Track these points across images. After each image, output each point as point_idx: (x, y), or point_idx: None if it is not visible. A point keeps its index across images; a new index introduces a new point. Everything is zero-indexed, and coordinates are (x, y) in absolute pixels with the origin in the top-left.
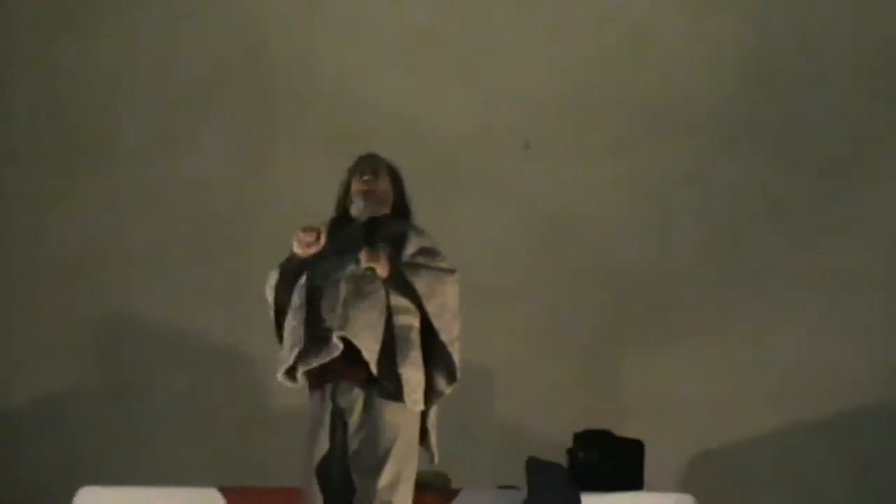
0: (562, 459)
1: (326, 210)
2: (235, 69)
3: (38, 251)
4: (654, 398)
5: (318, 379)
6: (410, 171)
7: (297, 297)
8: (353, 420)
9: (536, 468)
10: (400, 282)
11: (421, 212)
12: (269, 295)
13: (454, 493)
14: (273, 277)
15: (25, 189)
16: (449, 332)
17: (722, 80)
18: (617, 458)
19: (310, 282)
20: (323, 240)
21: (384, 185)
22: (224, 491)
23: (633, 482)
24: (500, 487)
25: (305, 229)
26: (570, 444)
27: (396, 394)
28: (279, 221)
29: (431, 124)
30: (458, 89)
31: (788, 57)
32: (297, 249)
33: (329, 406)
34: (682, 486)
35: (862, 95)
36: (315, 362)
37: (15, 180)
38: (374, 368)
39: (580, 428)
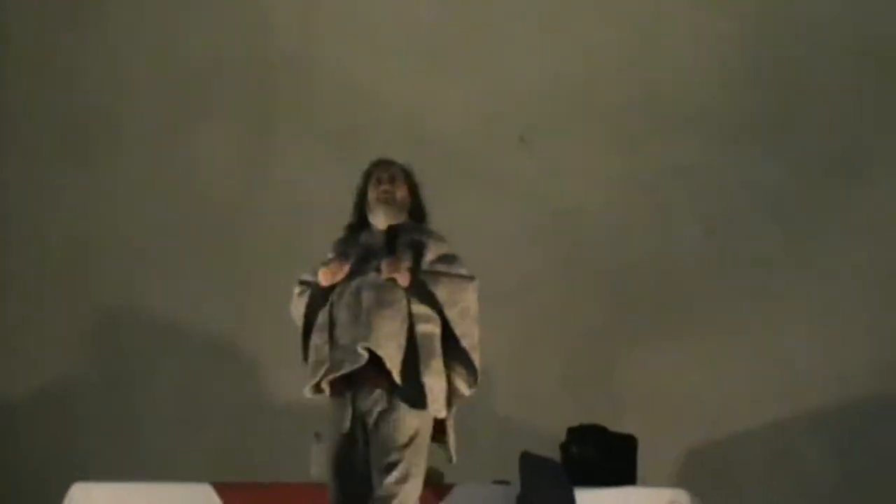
0: (555, 454)
1: (327, 204)
2: (237, 63)
3: (36, 243)
4: (648, 393)
5: (340, 385)
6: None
7: (322, 316)
8: (374, 426)
9: (530, 463)
10: (421, 290)
11: None
12: (299, 320)
13: (448, 489)
14: (302, 303)
15: (24, 181)
16: (471, 338)
17: (722, 75)
18: (610, 454)
19: (335, 298)
20: (347, 268)
21: (402, 192)
22: (218, 487)
23: (627, 477)
24: (494, 482)
25: (328, 263)
26: (563, 439)
27: (419, 401)
28: (279, 215)
29: (432, 119)
30: (458, 84)
31: (789, 53)
32: (325, 282)
33: (350, 411)
34: (676, 481)
35: (862, 93)
36: (341, 371)
37: (14, 172)
38: (396, 377)
39: (574, 423)
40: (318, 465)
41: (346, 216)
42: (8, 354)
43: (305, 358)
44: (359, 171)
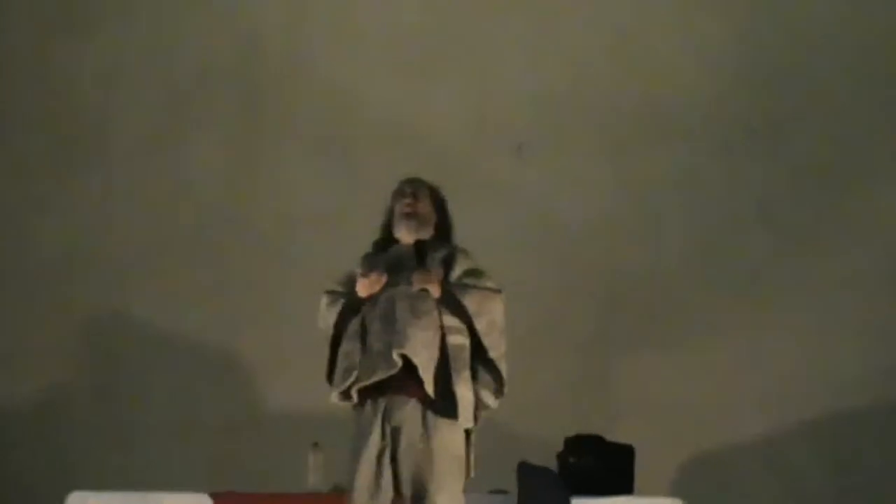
0: (552, 464)
1: (316, 212)
2: (226, 70)
3: (28, 252)
4: (644, 403)
5: (370, 395)
6: (401, 173)
7: (354, 324)
8: (406, 437)
9: (527, 473)
10: (451, 301)
11: None
12: (329, 329)
13: None
14: (333, 313)
15: (14, 190)
16: (498, 349)
17: (715, 83)
18: (608, 463)
19: (366, 309)
20: (385, 279)
21: (425, 207)
22: (216, 497)
23: (624, 487)
24: (491, 492)
25: (365, 274)
26: (560, 448)
27: (451, 412)
28: (270, 223)
29: (423, 126)
30: (450, 91)
31: (781, 61)
32: (363, 292)
33: (380, 421)
34: (673, 491)
35: (853, 100)
36: (374, 378)
37: (5, 180)
38: (429, 387)
39: (571, 433)
40: (315, 476)
41: (334, 224)
42: (0, 364)
43: (331, 368)
44: (348, 180)
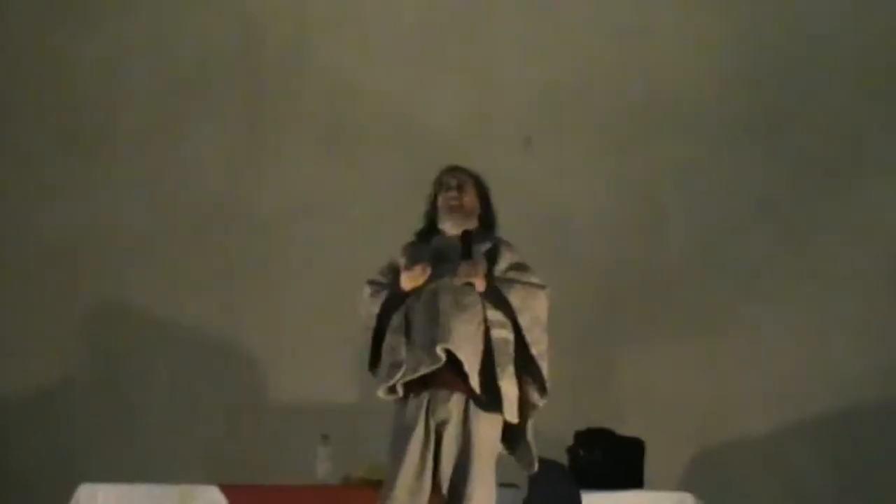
0: (562, 458)
1: (319, 203)
2: (229, 59)
3: (29, 240)
4: (654, 396)
5: (414, 388)
6: (404, 165)
7: (397, 318)
8: (449, 431)
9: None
10: (496, 295)
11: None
12: (371, 320)
13: None
14: (376, 304)
15: (16, 181)
16: (540, 345)
17: (717, 78)
18: (617, 457)
19: (410, 302)
20: (428, 272)
21: (470, 198)
22: (224, 488)
23: (634, 480)
24: (501, 486)
25: (409, 267)
26: (570, 442)
27: (495, 406)
28: (272, 213)
29: (426, 118)
30: (453, 84)
31: (783, 55)
32: (407, 285)
33: (424, 415)
34: (683, 485)
35: (855, 95)
36: (419, 372)
37: (6, 172)
38: (474, 381)
39: (581, 426)
40: (324, 467)
41: (336, 214)
42: (1, 355)
43: (374, 360)
44: (351, 171)
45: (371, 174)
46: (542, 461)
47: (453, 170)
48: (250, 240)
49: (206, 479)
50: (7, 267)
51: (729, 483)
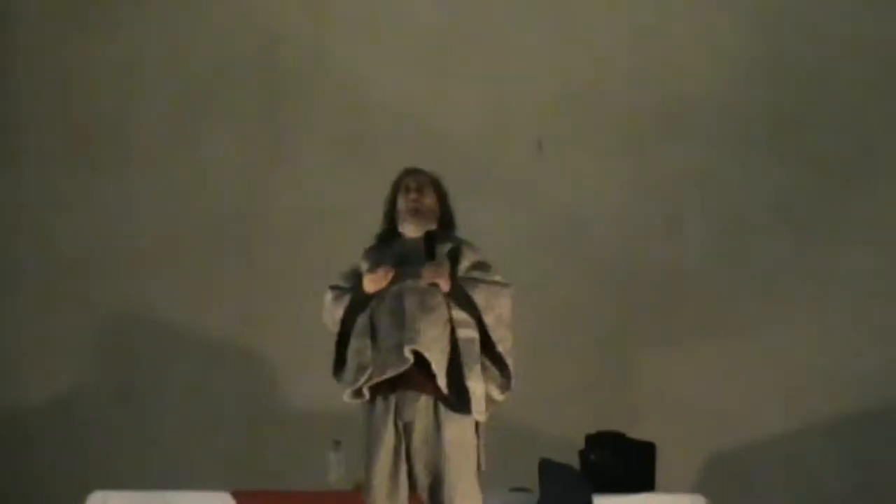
0: (574, 461)
1: (335, 209)
2: (245, 68)
3: (47, 250)
4: (665, 399)
5: (381, 391)
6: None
7: (362, 321)
8: (418, 432)
9: (549, 470)
10: (460, 295)
11: None
12: (335, 325)
13: None
14: (339, 309)
15: (33, 189)
16: (505, 343)
17: (733, 80)
18: (629, 460)
19: (374, 304)
20: (392, 274)
21: (431, 200)
22: (236, 495)
23: (645, 483)
24: (513, 490)
25: (373, 270)
26: (582, 445)
27: (463, 406)
28: (288, 220)
29: (441, 124)
30: (467, 89)
31: (799, 58)
32: (371, 288)
33: (392, 418)
34: (694, 488)
35: (874, 95)
36: (386, 375)
37: (24, 180)
38: (441, 382)
39: (592, 430)
40: (336, 473)
41: (353, 220)
42: (19, 363)
43: (338, 364)
44: (367, 176)
45: (387, 181)
46: (555, 464)
47: (412, 172)
48: (266, 247)
49: (222, 487)
50: (24, 277)
51: (745, 485)
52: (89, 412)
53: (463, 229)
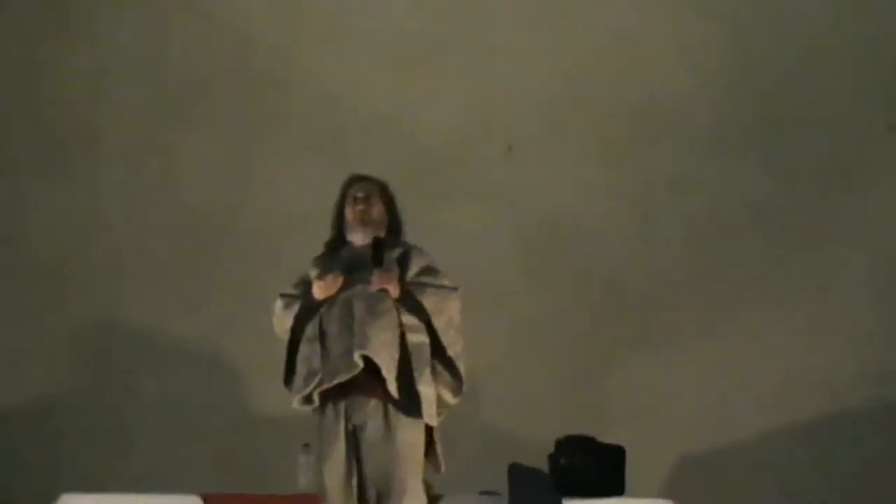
0: (544, 465)
1: (309, 215)
2: (219, 73)
3: (18, 254)
4: (636, 404)
5: (330, 397)
6: (395, 173)
7: (311, 328)
8: (369, 436)
9: (518, 474)
10: (409, 300)
11: (405, 215)
12: (285, 333)
13: (436, 500)
14: (288, 316)
15: (5, 191)
16: (455, 346)
17: (709, 85)
18: (599, 464)
19: (324, 311)
20: (341, 281)
21: (378, 208)
22: (207, 498)
23: (615, 488)
24: (483, 493)
25: (322, 277)
26: (552, 450)
27: (414, 410)
28: (262, 225)
29: (416, 128)
30: (442, 94)
31: (775, 63)
32: (320, 295)
33: (343, 423)
34: (664, 492)
35: (848, 102)
36: (336, 380)
37: None
38: (392, 386)
39: (562, 434)
40: (305, 477)
41: (326, 225)
42: None
43: (288, 371)
44: (341, 181)
45: None
46: (524, 468)
47: (359, 180)
48: (240, 251)
49: (195, 491)
50: None
51: (714, 489)
52: (62, 416)
53: (436, 234)
